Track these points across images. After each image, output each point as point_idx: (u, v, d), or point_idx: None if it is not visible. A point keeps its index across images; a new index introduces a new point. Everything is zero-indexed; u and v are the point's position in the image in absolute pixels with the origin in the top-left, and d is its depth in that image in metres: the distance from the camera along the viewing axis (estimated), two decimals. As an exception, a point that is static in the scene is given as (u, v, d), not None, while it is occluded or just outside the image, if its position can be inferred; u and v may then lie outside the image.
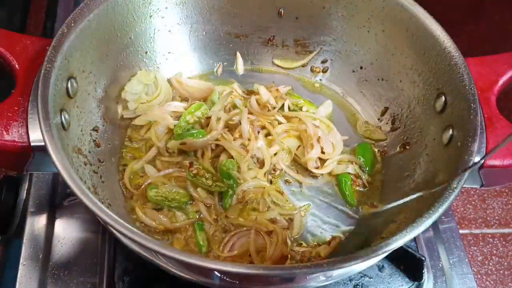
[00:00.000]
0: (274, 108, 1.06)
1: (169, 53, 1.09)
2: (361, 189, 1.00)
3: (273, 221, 0.93)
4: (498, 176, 0.88)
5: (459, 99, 0.84)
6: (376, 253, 0.67)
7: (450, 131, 0.85)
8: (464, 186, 0.75)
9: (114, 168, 0.97)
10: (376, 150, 1.05)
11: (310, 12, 1.07)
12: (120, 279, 0.90)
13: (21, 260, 0.95)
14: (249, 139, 0.99)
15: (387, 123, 1.06)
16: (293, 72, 1.17)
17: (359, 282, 0.94)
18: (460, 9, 1.57)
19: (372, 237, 0.86)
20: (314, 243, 0.93)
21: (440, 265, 1.02)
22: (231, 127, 1.01)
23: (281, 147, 1.01)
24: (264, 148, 0.99)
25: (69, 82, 0.84)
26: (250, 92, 1.11)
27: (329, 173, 1.01)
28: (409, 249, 0.94)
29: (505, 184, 1.36)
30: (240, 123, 1.00)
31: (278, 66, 1.17)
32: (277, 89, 1.10)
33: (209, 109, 1.01)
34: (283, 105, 1.08)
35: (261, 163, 1.00)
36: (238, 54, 1.15)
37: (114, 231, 0.73)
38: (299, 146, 1.03)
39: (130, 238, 0.66)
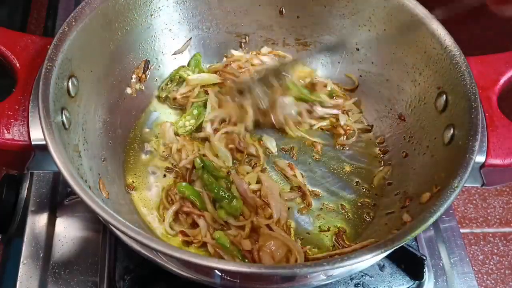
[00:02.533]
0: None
1: (169, 51, 1.09)
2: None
3: None
4: (499, 175, 0.88)
5: (460, 98, 0.84)
6: (376, 252, 0.67)
7: (451, 130, 0.85)
8: (465, 185, 0.75)
9: (116, 167, 0.97)
10: (377, 149, 1.05)
11: (311, 11, 1.07)
12: (121, 278, 0.90)
13: (22, 259, 0.95)
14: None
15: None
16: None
17: (360, 281, 0.94)
18: (460, 7, 1.57)
19: None
20: None
21: (441, 264, 1.02)
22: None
23: None
24: None
25: (70, 81, 0.83)
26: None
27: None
28: (410, 248, 0.94)
29: (506, 183, 1.36)
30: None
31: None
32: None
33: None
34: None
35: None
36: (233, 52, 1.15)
37: (115, 230, 0.73)
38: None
39: (131, 237, 0.66)
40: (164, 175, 0.99)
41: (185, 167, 0.98)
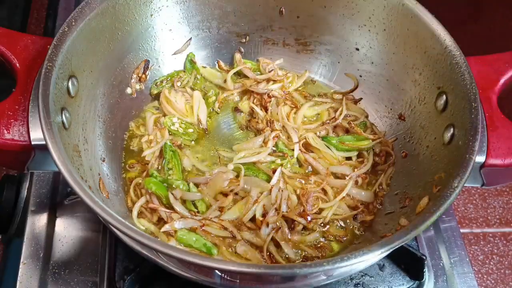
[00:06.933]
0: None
1: (169, 51, 1.09)
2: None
3: None
4: (499, 175, 0.88)
5: (460, 98, 0.84)
6: (376, 252, 0.67)
7: (451, 130, 0.85)
8: (465, 185, 0.75)
9: (116, 167, 0.97)
10: (377, 150, 1.05)
11: (311, 11, 1.07)
12: (121, 278, 0.90)
13: (22, 259, 0.95)
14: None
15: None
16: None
17: (360, 281, 0.94)
18: (460, 8, 1.57)
19: None
20: None
21: (441, 264, 1.02)
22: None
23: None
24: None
25: (70, 81, 0.84)
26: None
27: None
28: (410, 248, 0.94)
29: (506, 184, 1.36)
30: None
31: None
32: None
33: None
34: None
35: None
36: (236, 55, 1.15)
37: (115, 230, 0.73)
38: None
39: (130, 237, 0.66)
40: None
41: (145, 157, 0.98)
